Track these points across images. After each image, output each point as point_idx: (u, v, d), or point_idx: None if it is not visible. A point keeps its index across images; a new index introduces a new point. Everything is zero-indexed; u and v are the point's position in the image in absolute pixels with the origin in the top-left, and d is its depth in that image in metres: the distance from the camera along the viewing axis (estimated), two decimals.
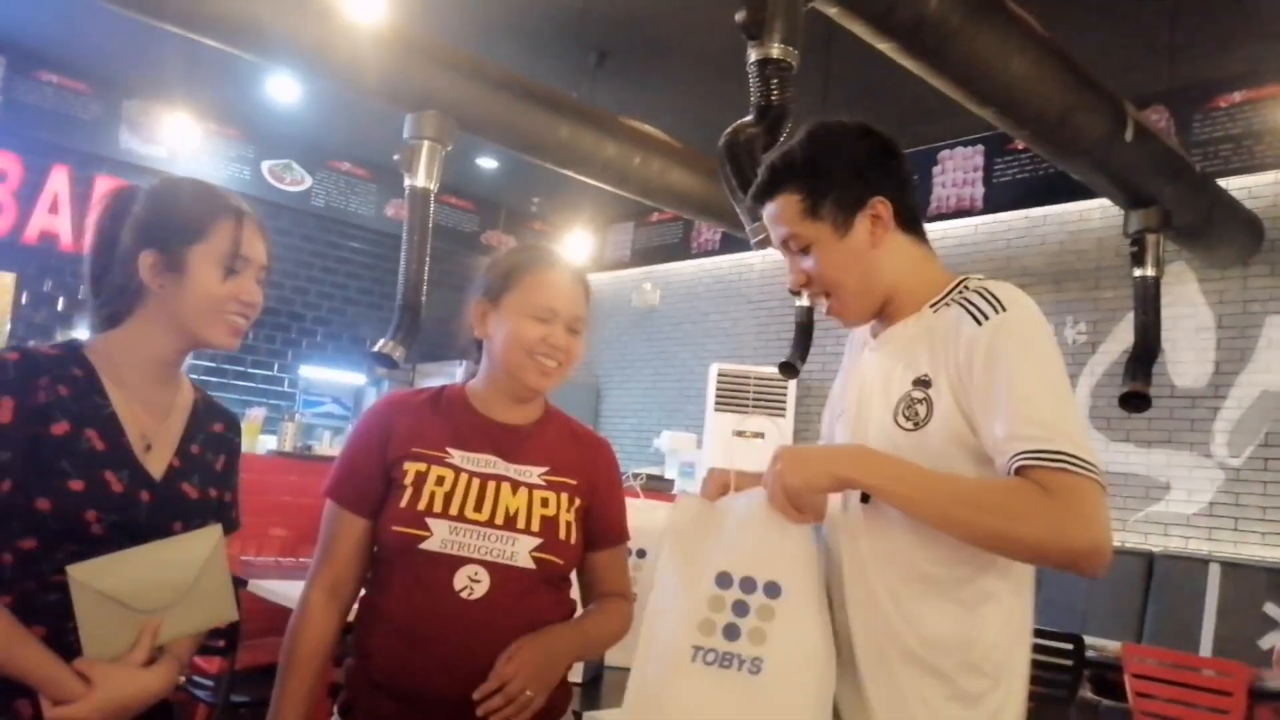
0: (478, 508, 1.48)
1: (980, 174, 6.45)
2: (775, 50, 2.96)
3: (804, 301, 5.94)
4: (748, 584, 1.26)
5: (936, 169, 6.68)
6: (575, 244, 8.52)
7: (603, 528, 1.63)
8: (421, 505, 1.46)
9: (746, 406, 6.98)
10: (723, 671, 1.22)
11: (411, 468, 1.50)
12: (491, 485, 1.51)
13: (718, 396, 7.03)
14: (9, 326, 3.97)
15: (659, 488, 6.61)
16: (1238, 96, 5.38)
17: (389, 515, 1.48)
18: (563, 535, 1.53)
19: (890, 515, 1.26)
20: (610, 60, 5.78)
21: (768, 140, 3.04)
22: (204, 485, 1.44)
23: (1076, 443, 1.14)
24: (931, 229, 5.79)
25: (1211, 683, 3.22)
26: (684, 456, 7.40)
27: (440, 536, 1.45)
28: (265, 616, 3.50)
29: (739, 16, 2.96)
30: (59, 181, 6.74)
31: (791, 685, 1.22)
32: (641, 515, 2.59)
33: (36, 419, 1.25)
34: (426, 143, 4.18)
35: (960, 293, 1.30)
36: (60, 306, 6.72)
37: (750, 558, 1.27)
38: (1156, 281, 4.80)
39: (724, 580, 1.27)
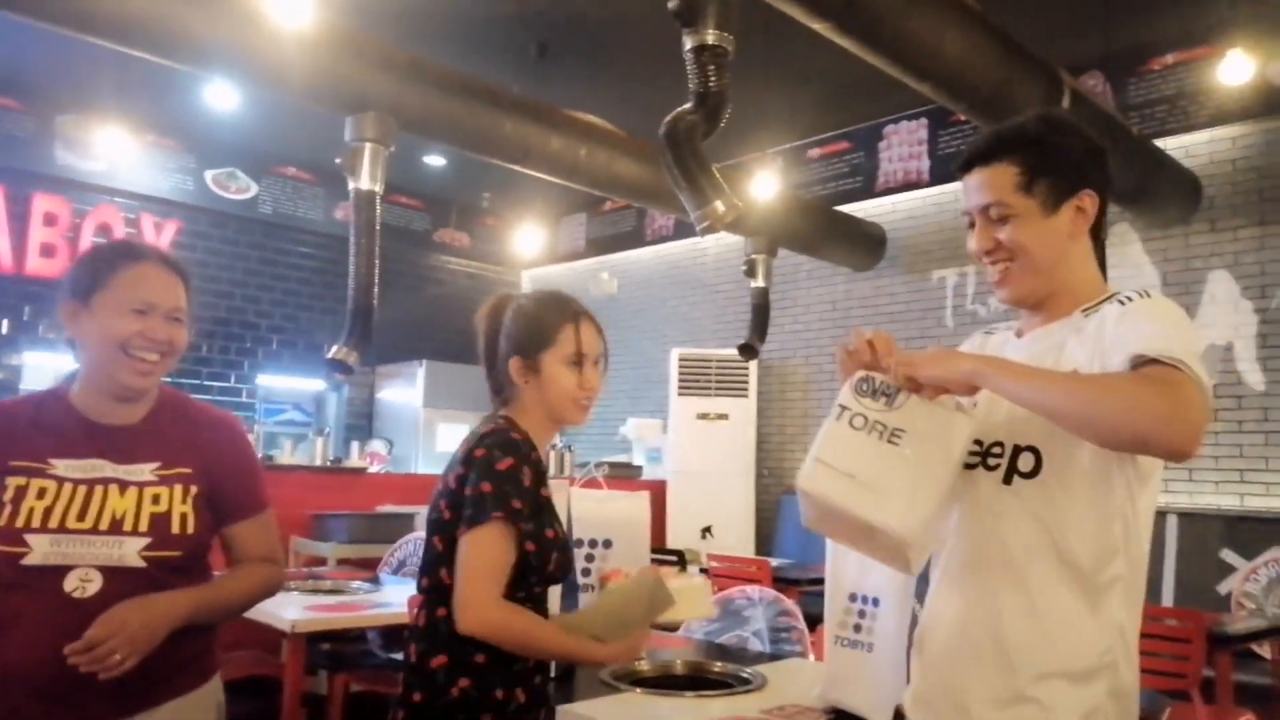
0: (81, 516, 1.51)
1: (925, 147, 6.51)
2: (710, 36, 2.98)
3: (758, 283, 5.99)
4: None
5: (882, 144, 6.75)
6: (529, 236, 8.50)
7: (232, 504, 1.69)
8: (20, 522, 1.48)
9: (709, 389, 7.03)
10: None
11: (12, 482, 1.51)
12: (98, 490, 1.54)
13: (680, 381, 7.07)
14: None
15: (627, 474, 6.65)
16: (1170, 59, 5.49)
17: None
18: (176, 529, 1.57)
19: (1029, 498, 1.34)
20: (551, 52, 5.75)
21: (708, 126, 3.06)
22: None
23: (1192, 358, 1.18)
24: (879, 204, 5.84)
25: (1174, 631, 3.30)
26: (650, 443, 7.44)
27: (41, 551, 1.48)
28: (241, 629, 3.47)
29: (672, 4, 2.97)
30: None
31: None
32: (605, 506, 2.62)
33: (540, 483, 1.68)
34: (368, 144, 4.14)
35: (1110, 299, 1.38)
36: (5, 329, 6.59)
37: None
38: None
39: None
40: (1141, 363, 1.19)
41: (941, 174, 6.39)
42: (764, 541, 6.91)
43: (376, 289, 4.10)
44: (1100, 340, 1.30)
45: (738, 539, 6.70)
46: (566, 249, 9.23)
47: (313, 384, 8.03)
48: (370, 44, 4.22)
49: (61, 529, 1.49)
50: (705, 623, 2.97)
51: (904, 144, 6.63)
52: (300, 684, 2.99)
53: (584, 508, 2.54)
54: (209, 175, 7.59)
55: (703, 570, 4.91)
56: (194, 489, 1.61)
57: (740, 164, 6.42)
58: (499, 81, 4.94)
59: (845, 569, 1.90)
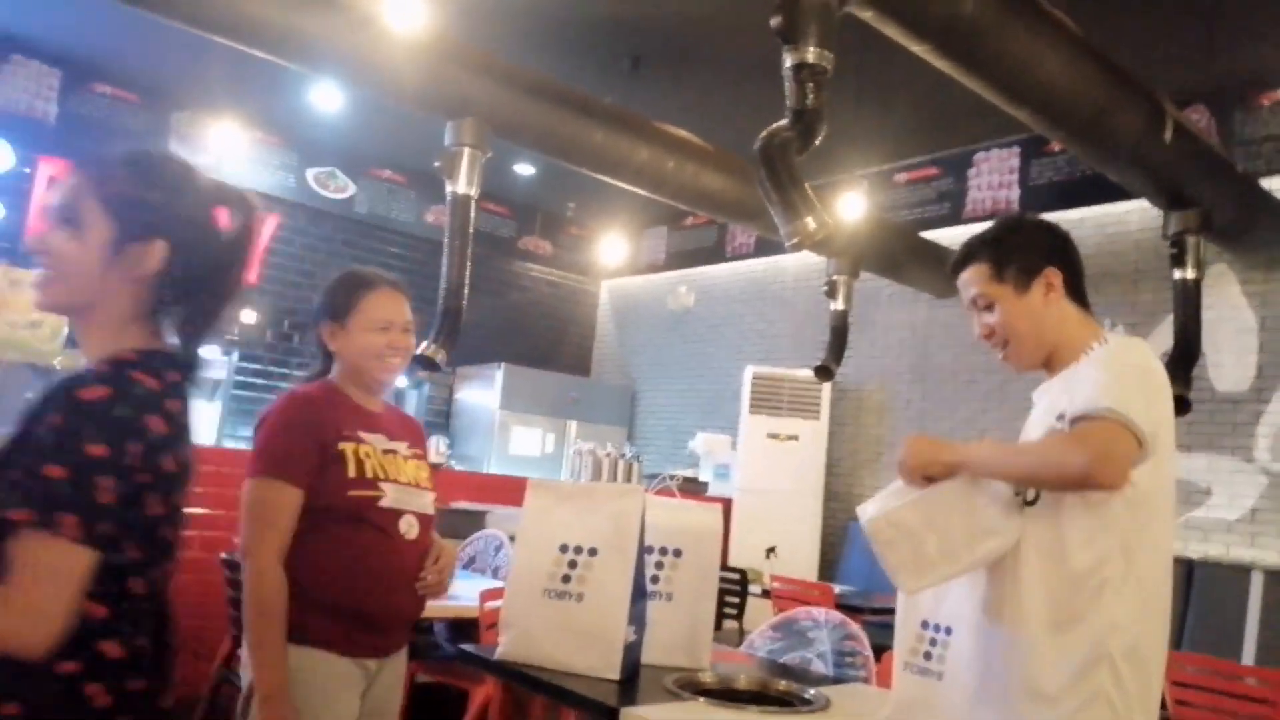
0: (397, 473, 1.96)
1: (1016, 176, 6.40)
2: (810, 54, 2.97)
3: (838, 305, 5.95)
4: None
5: (972, 171, 6.65)
6: (610, 247, 8.58)
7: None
8: (369, 473, 1.91)
9: (781, 409, 6.99)
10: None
11: (345, 447, 1.91)
12: (392, 456, 1.99)
13: (753, 399, 7.05)
14: (66, 331, 4.11)
15: (694, 489, 6.65)
16: None
17: (340, 482, 1.87)
18: (435, 491, 2.07)
19: (1041, 515, 1.61)
20: (644, 65, 5.82)
21: (802, 144, 3.06)
22: None
23: (1120, 402, 1.47)
24: (966, 231, 5.73)
25: (1254, 691, 3.18)
26: (719, 459, 7.42)
27: (391, 496, 1.91)
28: None
29: (774, 21, 2.99)
30: None
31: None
32: (678, 515, 2.63)
33: None
34: (467, 149, 4.25)
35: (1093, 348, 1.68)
36: None
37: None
38: (1197, 283, 4.74)
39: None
40: (1076, 420, 1.50)
41: (1033, 204, 6.27)
42: (828, 567, 6.83)
43: (466, 291, 4.20)
44: (1069, 386, 1.62)
45: (802, 562, 6.64)
46: (646, 261, 9.30)
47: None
48: (471, 51, 4.33)
49: (394, 481, 1.92)
50: (768, 640, 2.96)
51: (995, 172, 6.53)
52: None
53: (657, 516, 2.56)
54: (310, 173, 7.86)
55: (764, 592, 4.90)
56: (425, 464, 2.07)
57: (827, 184, 6.40)
58: (592, 92, 5.02)
59: (920, 594, 1.87)
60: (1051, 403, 1.67)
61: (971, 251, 1.78)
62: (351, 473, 1.87)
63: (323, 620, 1.83)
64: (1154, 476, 1.56)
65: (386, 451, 1.97)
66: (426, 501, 1.98)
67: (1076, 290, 1.75)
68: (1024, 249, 1.74)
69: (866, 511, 1.69)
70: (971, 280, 1.77)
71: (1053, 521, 1.59)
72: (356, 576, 1.85)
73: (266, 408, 1.96)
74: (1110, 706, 1.53)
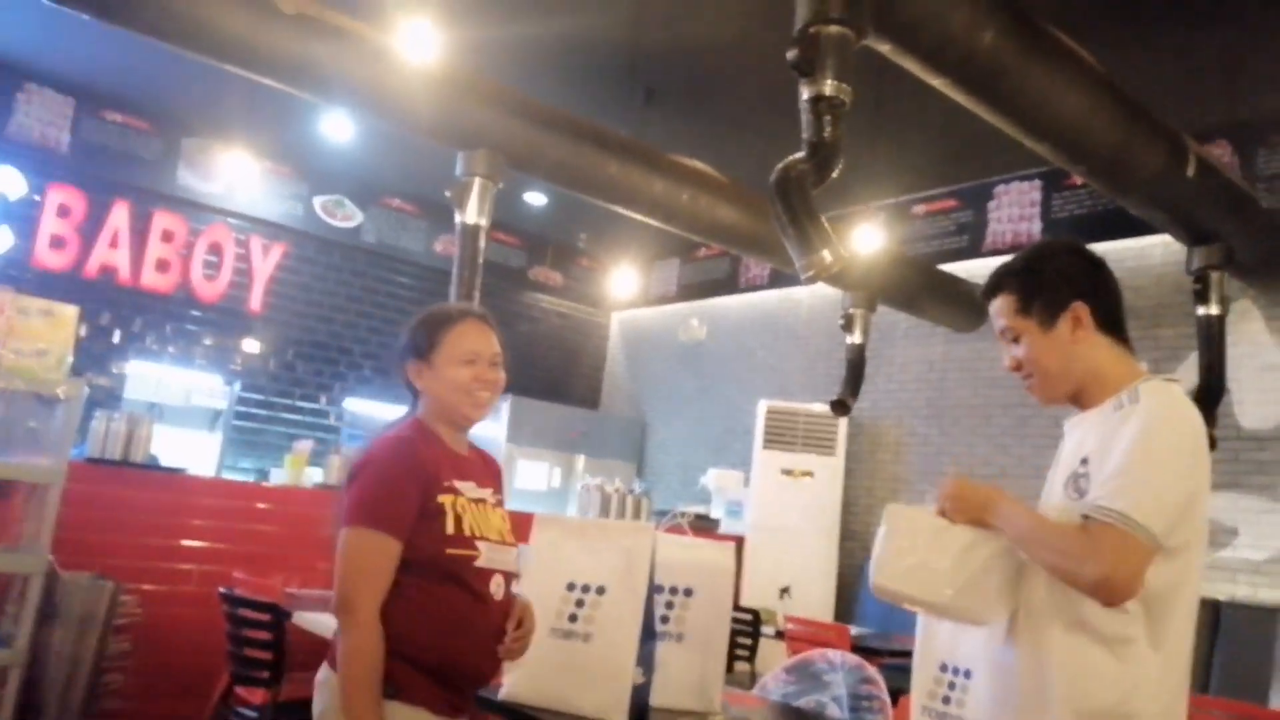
0: (488, 528, 1.88)
1: (1037, 209, 6.34)
2: (828, 88, 2.93)
3: (855, 339, 5.87)
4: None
5: (992, 204, 6.59)
6: (621, 279, 8.53)
7: None
8: (467, 530, 1.83)
9: (796, 445, 6.89)
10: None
11: (445, 499, 1.83)
12: (481, 507, 1.90)
13: (767, 434, 6.94)
14: (71, 359, 4.05)
15: (705, 527, 6.53)
16: None
17: (438, 538, 1.79)
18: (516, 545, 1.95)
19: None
20: (658, 96, 5.81)
21: (819, 177, 3.00)
22: None
23: (1137, 503, 1.44)
24: (985, 264, 5.67)
25: None
26: (731, 495, 7.31)
27: (485, 555, 1.83)
28: (311, 649, 3.49)
29: (790, 54, 2.95)
30: (119, 217, 6.93)
31: None
32: (690, 553, 2.55)
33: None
34: (478, 180, 4.22)
35: (1132, 395, 1.58)
36: (117, 339, 6.87)
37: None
38: (1221, 319, 4.66)
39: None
40: (1089, 516, 1.47)
41: (1054, 237, 6.20)
42: (844, 608, 6.69)
43: None
44: (1102, 438, 1.56)
45: (816, 603, 6.50)
46: (658, 293, 9.25)
47: (398, 411, 8.12)
48: (485, 83, 4.32)
49: (485, 538, 1.85)
50: (782, 683, 2.87)
51: (1015, 205, 6.46)
52: None
53: (668, 554, 2.47)
54: (318, 202, 7.85)
55: (778, 633, 4.77)
56: (506, 513, 1.99)
57: (844, 216, 6.35)
58: (606, 124, 4.99)
59: (937, 636, 1.81)
60: (1080, 441, 1.63)
61: (1000, 281, 1.73)
62: (450, 529, 1.81)
63: (412, 675, 1.77)
64: (1189, 529, 1.52)
65: (476, 501, 1.90)
66: (512, 559, 1.91)
67: (1111, 322, 1.68)
68: (1052, 281, 1.67)
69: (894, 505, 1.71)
70: (999, 311, 1.72)
71: (1065, 591, 1.55)
72: (445, 635, 1.79)
73: (364, 452, 1.90)
74: None
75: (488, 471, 2.01)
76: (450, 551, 1.80)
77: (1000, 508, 1.59)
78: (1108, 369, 1.64)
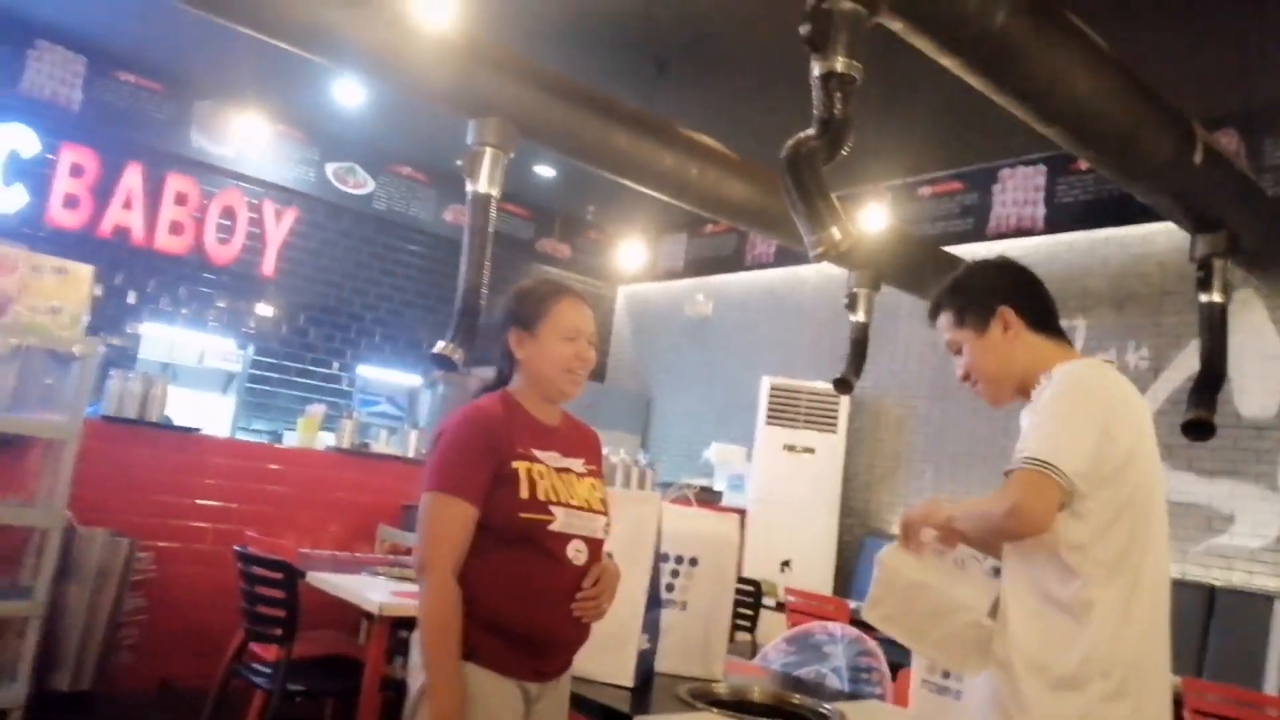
0: (571, 495, 1.91)
1: (1042, 194, 6.36)
2: (839, 64, 2.94)
3: (859, 318, 5.91)
4: None
5: (996, 187, 6.61)
6: (629, 252, 8.56)
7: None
8: (541, 495, 1.86)
9: (798, 421, 6.95)
10: None
11: (519, 466, 1.87)
12: (565, 476, 1.93)
13: (770, 410, 7.01)
14: (87, 318, 4.11)
15: (708, 500, 6.61)
16: None
17: (511, 503, 1.84)
18: (610, 512, 1.99)
19: (1017, 551, 1.68)
20: (670, 70, 5.81)
21: (829, 153, 3.03)
22: None
23: (1039, 447, 1.55)
24: (989, 248, 5.72)
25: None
26: (733, 469, 7.39)
27: (561, 520, 1.86)
28: (322, 609, 3.58)
29: (803, 29, 2.96)
30: (133, 178, 6.96)
31: None
32: (695, 524, 2.62)
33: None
34: (489, 149, 4.23)
35: (1048, 374, 1.71)
36: (131, 300, 6.93)
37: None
38: (1223, 308, 4.68)
39: None
40: (1006, 474, 1.59)
41: (1057, 223, 6.23)
42: (843, 581, 6.78)
43: (485, 291, 4.18)
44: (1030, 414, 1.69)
45: (817, 576, 6.59)
46: (665, 268, 9.28)
47: (408, 379, 8.23)
48: (497, 50, 4.32)
49: (565, 504, 1.88)
50: (782, 653, 2.93)
51: (1019, 189, 6.48)
52: (381, 668, 3.05)
53: (674, 524, 2.54)
54: (330, 168, 7.88)
55: (779, 605, 4.85)
56: (602, 484, 2.02)
57: (850, 195, 6.37)
58: (617, 95, 5.00)
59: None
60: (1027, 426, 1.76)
61: (938, 302, 1.91)
62: (524, 494, 1.85)
63: (485, 638, 1.82)
64: (1124, 489, 1.60)
65: (560, 470, 1.93)
66: (597, 526, 1.93)
67: (1041, 320, 1.82)
68: (977, 292, 1.84)
69: (887, 550, 1.79)
70: (942, 328, 1.90)
71: (1025, 568, 1.65)
72: (521, 599, 1.83)
73: (444, 420, 1.95)
74: None
75: (581, 443, 2.04)
76: (523, 516, 1.84)
77: (954, 511, 1.71)
78: (1043, 362, 1.75)
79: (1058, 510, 1.54)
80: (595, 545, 1.92)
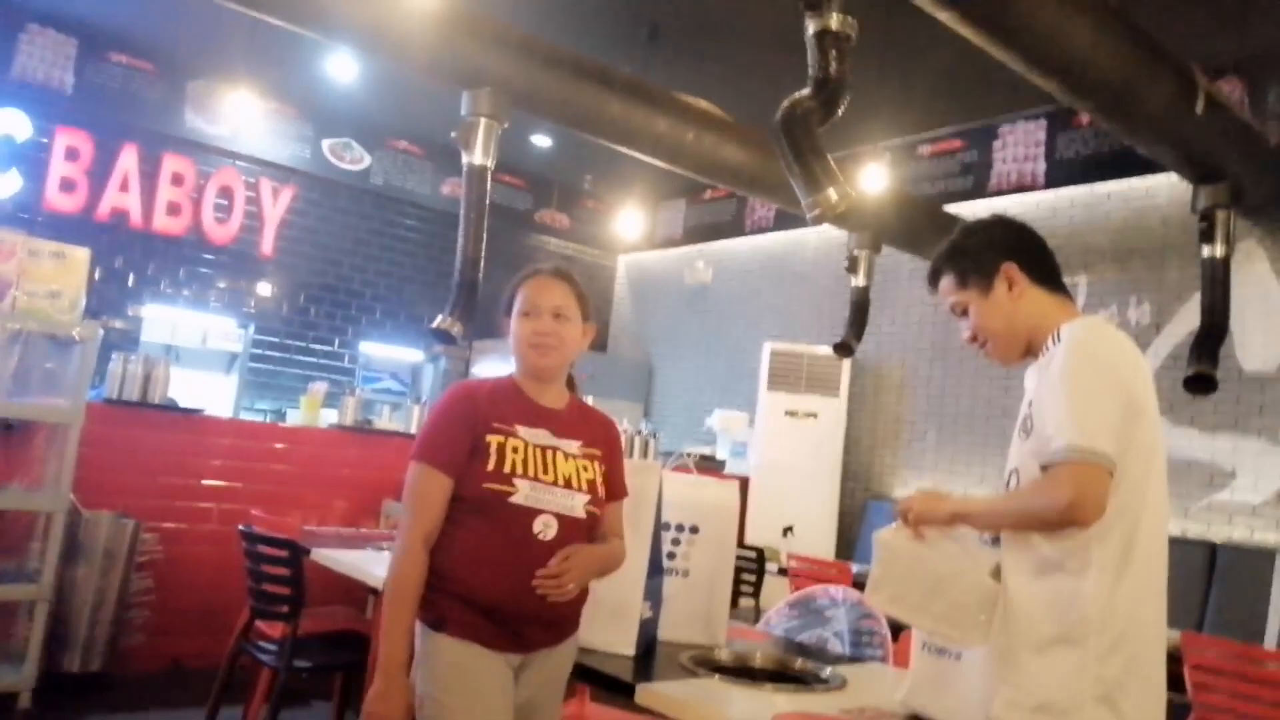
0: (545, 471, 1.93)
1: (1042, 149, 6.29)
2: (834, 21, 2.91)
3: (859, 281, 5.89)
4: None
5: (997, 144, 6.54)
6: (628, 221, 8.52)
7: (611, 487, 2.08)
8: (506, 468, 1.89)
9: (800, 386, 6.95)
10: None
11: (492, 440, 1.91)
12: (550, 453, 1.96)
13: (771, 376, 7.00)
14: (84, 301, 4.10)
15: (710, 467, 6.62)
16: None
17: (478, 475, 1.88)
18: (601, 493, 2.01)
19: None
20: (662, 34, 5.74)
21: (825, 114, 3.00)
22: None
23: (1078, 432, 1.53)
24: (990, 205, 5.66)
25: (1277, 676, 3.13)
26: (736, 436, 7.39)
27: (523, 493, 1.89)
28: (327, 585, 3.60)
29: None
30: (129, 160, 6.93)
31: None
32: (696, 492, 2.62)
33: None
34: (483, 120, 4.19)
35: (1055, 335, 1.70)
36: (131, 283, 6.93)
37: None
38: (1226, 260, 4.65)
39: None
40: (1046, 466, 1.56)
41: (1058, 178, 6.16)
42: (845, 546, 6.80)
43: (483, 263, 4.16)
44: (1040, 382, 1.68)
45: (819, 541, 6.61)
46: (664, 235, 9.24)
47: (411, 354, 8.23)
48: (488, 21, 4.27)
49: (535, 478, 1.91)
50: (785, 618, 2.94)
51: (1020, 145, 6.42)
52: None
53: (674, 492, 2.54)
54: (326, 144, 7.83)
55: (781, 570, 4.87)
56: (601, 467, 2.04)
57: (849, 156, 6.32)
58: (610, 62, 4.95)
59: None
60: (1029, 387, 1.76)
61: (937, 267, 1.89)
62: (490, 466, 1.89)
63: (455, 607, 1.87)
64: (1130, 448, 1.58)
65: (545, 447, 1.96)
66: (574, 504, 1.93)
67: (1044, 275, 1.80)
68: (978, 251, 1.82)
69: (886, 530, 1.80)
70: (944, 292, 1.88)
71: (1024, 532, 1.66)
72: (482, 570, 1.87)
73: (437, 398, 2.01)
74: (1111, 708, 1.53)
75: (584, 427, 2.06)
76: (485, 486, 1.88)
77: (968, 515, 1.72)
78: (1048, 318, 1.75)
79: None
80: (569, 523, 1.92)
